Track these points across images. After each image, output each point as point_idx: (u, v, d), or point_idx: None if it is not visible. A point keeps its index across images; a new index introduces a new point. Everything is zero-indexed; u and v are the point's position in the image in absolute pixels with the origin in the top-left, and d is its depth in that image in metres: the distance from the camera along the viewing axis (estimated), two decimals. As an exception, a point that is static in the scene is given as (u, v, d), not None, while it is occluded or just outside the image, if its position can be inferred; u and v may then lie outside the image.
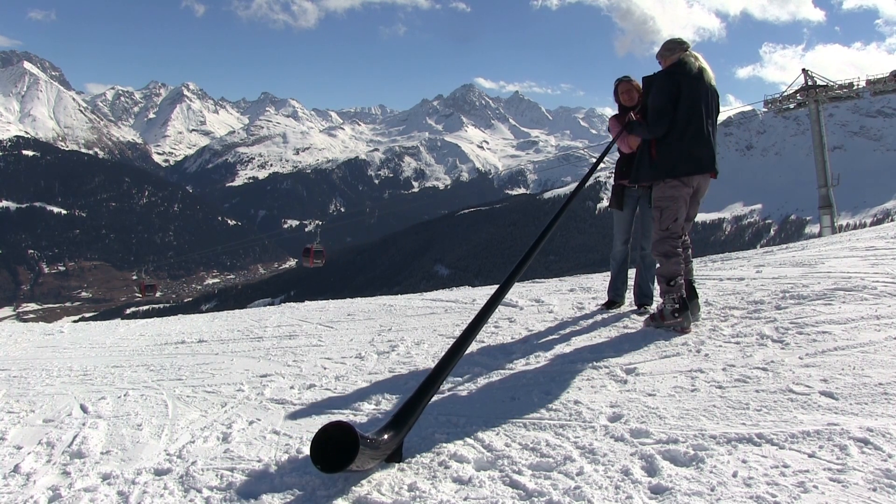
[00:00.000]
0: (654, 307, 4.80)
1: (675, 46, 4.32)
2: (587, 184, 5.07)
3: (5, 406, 4.32)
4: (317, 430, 2.39)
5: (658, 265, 4.29)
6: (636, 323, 4.43)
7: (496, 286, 4.10)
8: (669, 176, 4.20)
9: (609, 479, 2.33)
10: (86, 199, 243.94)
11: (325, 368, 4.40)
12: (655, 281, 4.91)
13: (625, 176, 4.97)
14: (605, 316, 4.79)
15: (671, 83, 4.16)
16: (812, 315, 3.93)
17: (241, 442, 3.16)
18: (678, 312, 4.10)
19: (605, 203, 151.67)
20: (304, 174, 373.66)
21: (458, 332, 4.83)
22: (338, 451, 2.29)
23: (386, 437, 2.59)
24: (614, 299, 5.21)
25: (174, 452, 3.11)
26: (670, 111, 4.13)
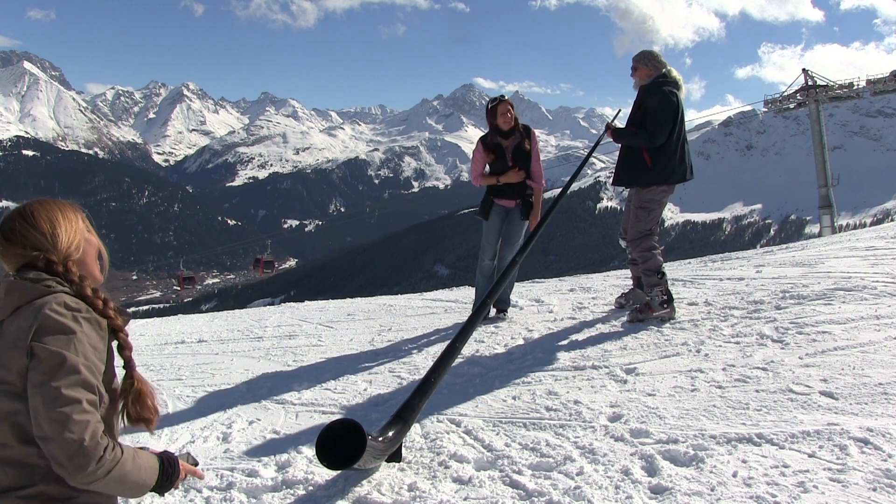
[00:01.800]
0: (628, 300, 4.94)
1: (660, 58, 4.52)
2: (573, 185, 5.24)
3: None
4: (322, 428, 2.37)
5: (644, 261, 4.47)
6: (636, 323, 4.43)
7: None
8: (666, 182, 4.44)
9: (609, 479, 2.33)
10: (86, 199, 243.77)
11: (324, 368, 4.40)
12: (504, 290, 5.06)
13: (495, 194, 5.03)
14: (604, 316, 4.79)
15: (671, 95, 4.35)
16: (812, 315, 3.92)
17: (241, 442, 3.16)
18: (666, 304, 4.36)
19: (605, 203, 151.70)
20: (304, 174, 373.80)
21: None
22: (344, 448, 2.28)
23: (390, 434, 2.59)
24: (500, 307, 5.24)
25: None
26: (671, 122, 4.32)
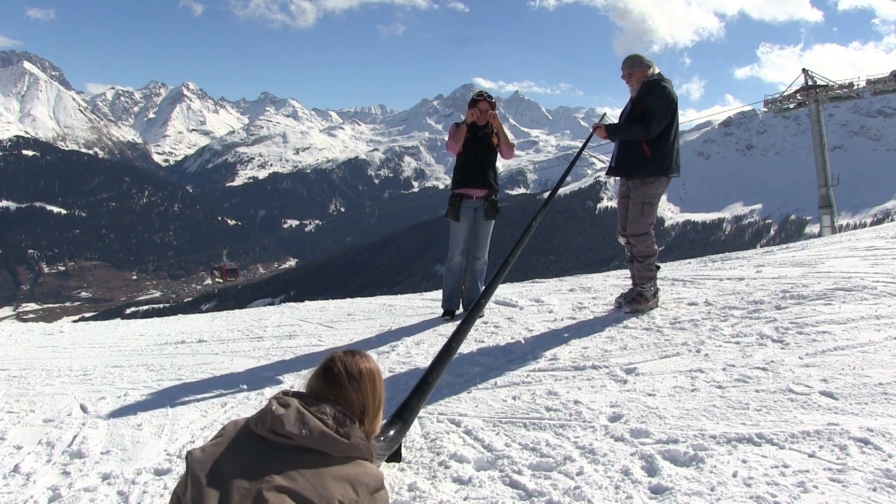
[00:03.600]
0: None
1: (646, 59, 4.70)
2: (563, 185, 5.45)
3: (5, 406, 4.32)
4: None
5: (647, 255, 4.68)
6: (636, 323, 4.44)
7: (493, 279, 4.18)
8: (664, 174, 4.59)
9: (609, 479, 2.33)
10: (86, 199, 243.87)
11: (325, 368, 4.40)
12: (481, 285, 5.39)
13: (463, 185, 5.30)
14: (604, 316, 4.79)
15: (669, 91, 4.51)
16: (812, 315, 3.92)
17: (241, 442, 3.15)
18: (654, 295, 4.69)
19: (604, 203, 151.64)
20: (304, 174, 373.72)
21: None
22: None
23: (390, 434, 2.59)
24: (452, 308, 5.52)
25: (174, 452, 3.11)
26: (669, 117, 4.49)
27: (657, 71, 4.65)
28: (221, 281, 37.16)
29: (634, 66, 4.67)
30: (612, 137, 4.69)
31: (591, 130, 4.87)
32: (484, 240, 5.42)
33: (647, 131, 4.44)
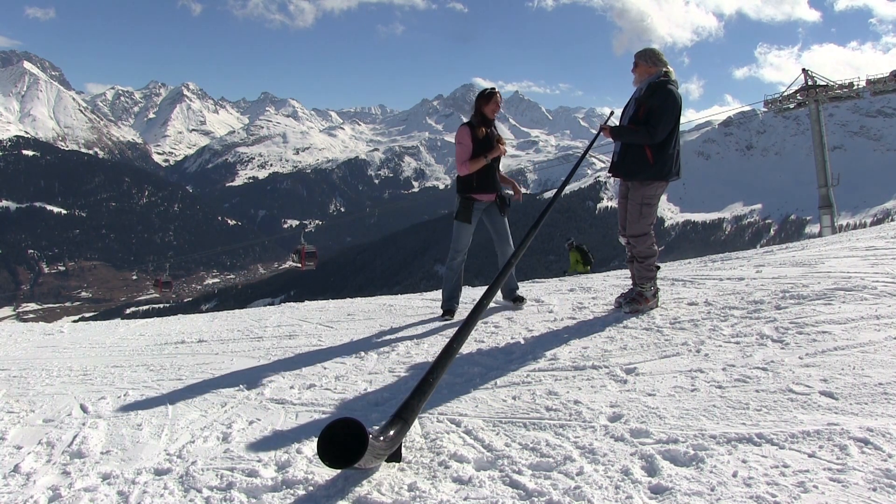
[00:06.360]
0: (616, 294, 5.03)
1: (661, 56, 4.60)
2: (567, 186, 5.46)
3: (5, 406, 4.32)
4: (324, 427, 2.36)
5: (647, 256, 4.69)
6: (636, 323, 4.44)
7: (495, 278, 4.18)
8: (664, 178, 4.57)
9: (609, 479, 2.33)
10: (86, 199, 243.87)
11: (325, 368, 4.40)
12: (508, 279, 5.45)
13: (479, 191, 5.35)
14: (604, 316, 4.79)
15: (676, 95, 4.45)
16: (812, 315, 3.92)
17: (241, 442, 3.16)
18: (654, 295, 4.70)
19: (604, 203, 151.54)
20: (304, 174, 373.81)
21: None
22: (345, 447, 2.28)
23: (390, 434, 2.59)
24: (451, 308, 5.56)
25: (174, 452, 3.11)
26: (674, 121, 4.44)
27: (670, 72, 4.53)
28: (300, 265, 35.30)
29: (642, 58, 4.60)
30: (616, 139, 4.67)
31: (597, 132, 4.88)
32: (506, 233, 5.52)
33: (651, 136, 4.40)
